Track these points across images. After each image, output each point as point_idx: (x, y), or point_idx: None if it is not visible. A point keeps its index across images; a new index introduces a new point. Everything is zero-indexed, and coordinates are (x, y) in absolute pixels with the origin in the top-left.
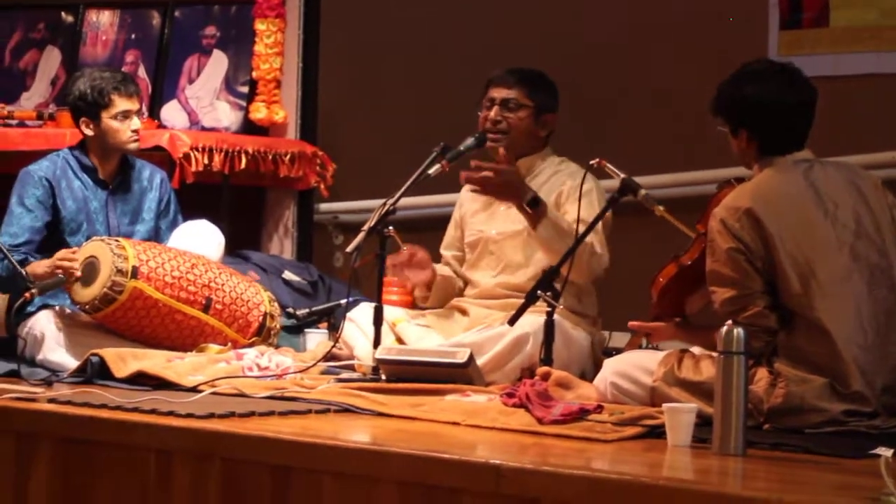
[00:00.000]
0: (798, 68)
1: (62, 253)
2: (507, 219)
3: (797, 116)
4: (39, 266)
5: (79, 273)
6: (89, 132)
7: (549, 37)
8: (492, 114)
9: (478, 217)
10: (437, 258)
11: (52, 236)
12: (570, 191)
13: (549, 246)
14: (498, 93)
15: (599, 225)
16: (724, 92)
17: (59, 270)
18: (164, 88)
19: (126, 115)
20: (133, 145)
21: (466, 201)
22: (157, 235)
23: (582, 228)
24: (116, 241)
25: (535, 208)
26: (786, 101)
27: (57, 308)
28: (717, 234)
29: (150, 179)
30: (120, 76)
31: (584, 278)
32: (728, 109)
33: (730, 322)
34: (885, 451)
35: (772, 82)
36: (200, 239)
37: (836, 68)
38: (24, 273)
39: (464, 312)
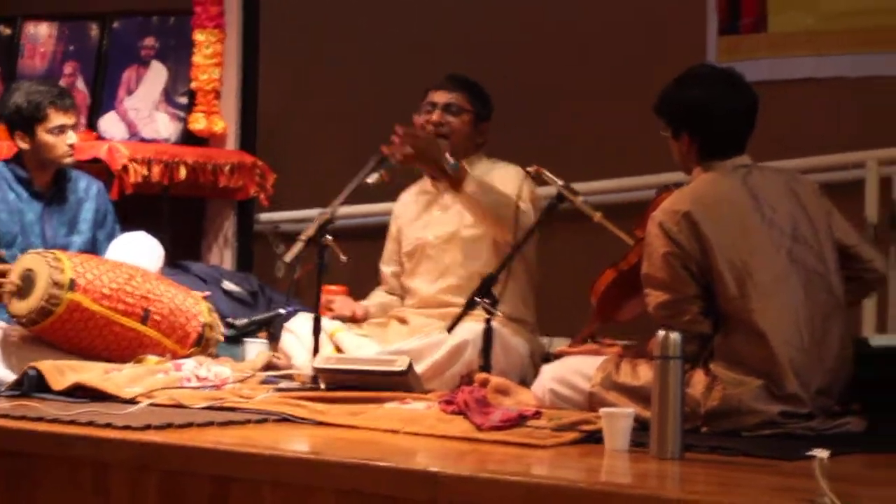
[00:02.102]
0: (740, 74)
1: None
2: (443, 222)
3: (739, 121)
4: None
5: (15, 287)
6: (24, 146)
7: (486, 44)
8: (434, 116)
9: (415, 225)
10: (371, 274)
11: None
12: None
13: (478, 202)
14: (440, 97)
15: (527, 190)
16: (668, 94)
17: None
18: (102, 100)
19: (62, 129)
20: (68, 160)
21: (402, 213)
22: (94, 246)
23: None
24: (53, 253)
25: (456, 172)
26: (728, 105)
27: None
28: (654, 237)
29: (87, 190)
30: (56, 90)
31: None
32: (671, 112)
33: (665, 327)
34: (821, 453)
35: (715, 86)
36: (139, 250)
37: (774, 73)
38: None
39: (403, 322)
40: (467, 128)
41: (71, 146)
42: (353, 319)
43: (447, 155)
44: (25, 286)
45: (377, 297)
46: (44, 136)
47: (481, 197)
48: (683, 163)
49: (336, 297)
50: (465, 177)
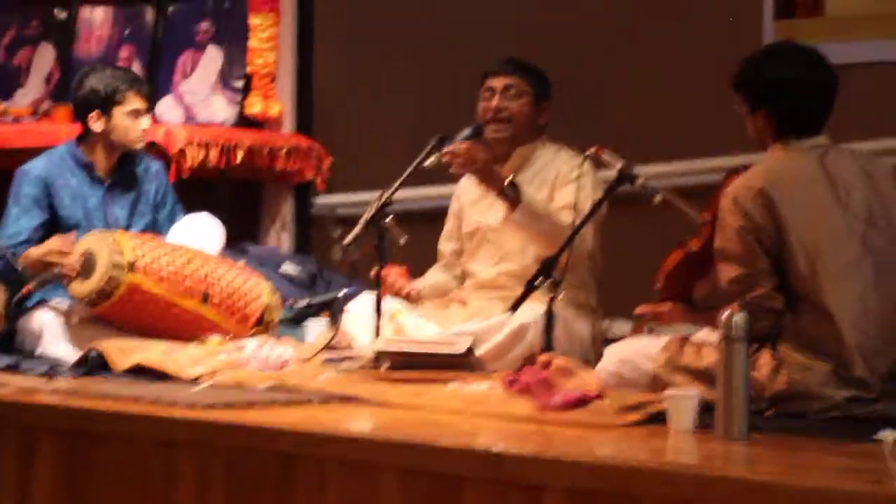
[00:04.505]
0: (822, 53)
1: (56, 244)
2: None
3: (817, 99)
4: (33, 251)
5: (76, 272)
6: (97, 128)
7: (547, 25)
8: (494, 102)
9: (476, 207)
10: (429, 257)
11: (50, 235)
12: (563, 176)
13: (525, 229)
14: (498, 82)
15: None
16: (747, 69)
17: (55, 266)
18: (158, 84)
19: (137, 113)
20: (140, 144)
21: (465, 192)
22: (155, 228)
23: (572, 213)
24: (113, 234)
25: (514, 193)
26: (809, 83)
27: (56, 301)
28: (728, 212)
29: (147, 171)
30: (133, 75)
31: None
32: (749, 87)
33: (734, 306)
34: (889, 435)
35: (797, 64)
36: (201, 231)
37: (835, 57)
38: (21, 271)
39: (462, 304)
40: (528, 110)
41: (143, 132)
42: (406, 297)
43: (508, 178)
44: (86, 267)
45: (432, 276)
46: (120, 118)
47: (531, 226)
48: (759, 138)
49: (392, 271)
50: (517, 203)
